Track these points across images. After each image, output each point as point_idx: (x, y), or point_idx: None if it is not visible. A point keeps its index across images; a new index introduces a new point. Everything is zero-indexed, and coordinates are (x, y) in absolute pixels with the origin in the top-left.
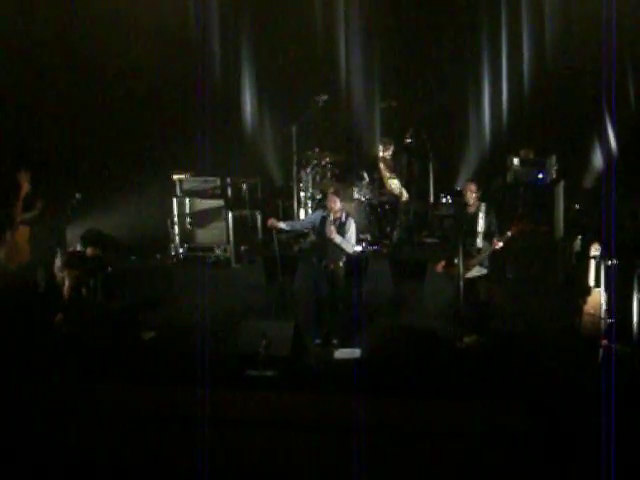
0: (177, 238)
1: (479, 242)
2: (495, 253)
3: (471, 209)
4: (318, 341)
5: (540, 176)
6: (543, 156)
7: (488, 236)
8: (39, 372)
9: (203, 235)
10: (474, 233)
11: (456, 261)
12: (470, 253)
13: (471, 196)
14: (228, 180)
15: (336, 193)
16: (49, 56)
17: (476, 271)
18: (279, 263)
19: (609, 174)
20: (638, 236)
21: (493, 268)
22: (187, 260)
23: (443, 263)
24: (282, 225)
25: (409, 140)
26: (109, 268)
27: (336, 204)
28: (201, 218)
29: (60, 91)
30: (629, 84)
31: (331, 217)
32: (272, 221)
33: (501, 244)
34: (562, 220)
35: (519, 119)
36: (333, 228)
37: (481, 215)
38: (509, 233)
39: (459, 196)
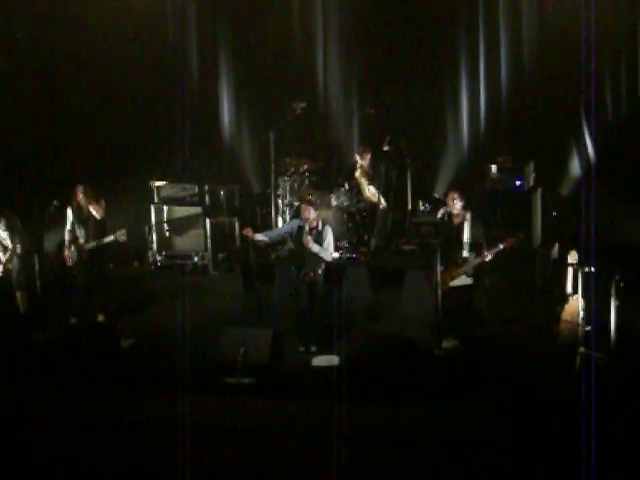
0: (155, 245)
1: (465, 252)
2: (482, 264)
3: (456, 218)
4: (302, 349)
5: (518, 183)
6: (521, 163)
7: (474, 246)
8: (17, 379)
9: (181, 242)
10: (460, 242)
11: (438, 267)
12: (456, 262)
13: (455, 205)
14: (206, 187)
15: (309, 203)
16: (27, 63)
17: (462, 280)
18: (255, 271)
19: (587, 181)
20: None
21: (479, 278)
22: (165, 267)
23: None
24: (258, 236)
25: (387, 147)
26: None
27: (310, 214)
28: (179, 225)
29: (38, 98)
30: (607, 92)
31: (307, 227)
32: (248, 231)
33: (490, 257)
34: (540, 227)
35: (497, 126)
36: (310, 238)
37: (466, 224)
38: (501, 246)
39: (440, 204)
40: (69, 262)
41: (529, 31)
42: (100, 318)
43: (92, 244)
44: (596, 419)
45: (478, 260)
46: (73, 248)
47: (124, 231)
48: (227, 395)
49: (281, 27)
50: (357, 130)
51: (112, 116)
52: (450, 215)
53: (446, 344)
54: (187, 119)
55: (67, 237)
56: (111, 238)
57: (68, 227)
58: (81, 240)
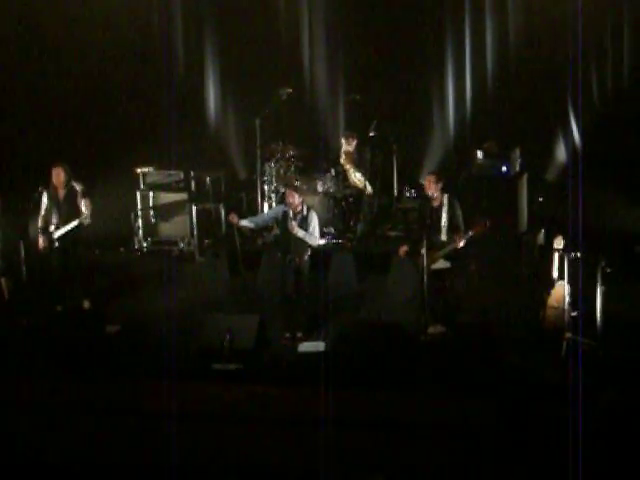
0: (141, 231)
1: (443, 235)
2: (460, 249)
3: (435, 202)
4: (288, 335)
5: (504, 169)
6: (507, 149)
7: (452, 229)
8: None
9: (167, 228)
10: (439, 226)
11: (421, 251)
12: (434, 245)
13: (431, 188)
14: (192, 173)
15: (293, 188)
16: (15, 50)
17: (440, 264)
18: (241, 257)
19: (574, 167)
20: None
21: (456, 262)
22: (151, 253)
23: (405, 248)
24: (243, 222)
25: (373, 133)
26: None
27: (294, 199)
28: (165, 211)
29: (24, 85)
30: (593, 77)
31: (291, 212)
32: (233, 217)
33: (462, 244)
34: (525, 213)
35: (483, 112)
36: (294, 223)
37: (445, 208)
38: (470, 233)
39: (423, 189)
40: (41, 249)
41: (515, 17)
42: (86, 305)
43: (60, 231)
44: (582, 404)
45: (452, 246)
46: (45, 234)
47: (88, 214)
48: (213, 381)
49: (267, 13)
50: (343, 116)
51: (98, 102)
52: (429, 199)
53: (432, 330)
54: (173, 105)
55: (40, 223)
56: (75, 223)
57: (42, 213)
58: (53, 226)
